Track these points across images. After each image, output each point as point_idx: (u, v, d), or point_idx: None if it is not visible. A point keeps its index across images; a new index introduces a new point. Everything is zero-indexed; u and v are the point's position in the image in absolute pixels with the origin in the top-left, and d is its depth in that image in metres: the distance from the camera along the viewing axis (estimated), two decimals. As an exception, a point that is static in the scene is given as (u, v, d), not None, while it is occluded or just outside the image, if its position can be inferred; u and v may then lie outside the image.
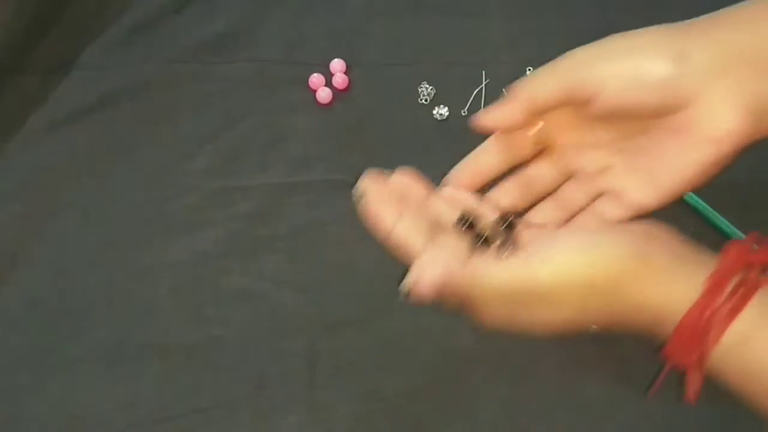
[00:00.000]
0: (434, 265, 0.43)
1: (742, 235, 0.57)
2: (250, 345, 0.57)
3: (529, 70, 0.66)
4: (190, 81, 0.68)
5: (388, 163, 0.63)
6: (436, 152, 0.55)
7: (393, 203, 0.46)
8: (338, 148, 0.65)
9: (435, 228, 0.46)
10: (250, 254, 0.60)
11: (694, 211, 0.59)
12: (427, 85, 0.66)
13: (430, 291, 0.43)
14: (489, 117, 0.48)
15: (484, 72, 0.66)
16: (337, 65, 0.68)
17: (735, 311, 0.40)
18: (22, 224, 0.63)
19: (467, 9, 0.70)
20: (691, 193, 0.59)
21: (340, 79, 0.67)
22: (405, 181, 0.49)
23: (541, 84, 0.47)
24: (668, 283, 0.42)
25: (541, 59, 0.66)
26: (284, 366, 0.56)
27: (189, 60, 0.69)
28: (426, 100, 0.66)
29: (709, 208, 0.58)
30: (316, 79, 0.67)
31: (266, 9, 0.72)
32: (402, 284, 0.44)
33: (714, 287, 0.41)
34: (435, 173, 0.52)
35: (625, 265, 0.42)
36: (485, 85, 0.65)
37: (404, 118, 0.66)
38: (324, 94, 0.66)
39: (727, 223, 0.58)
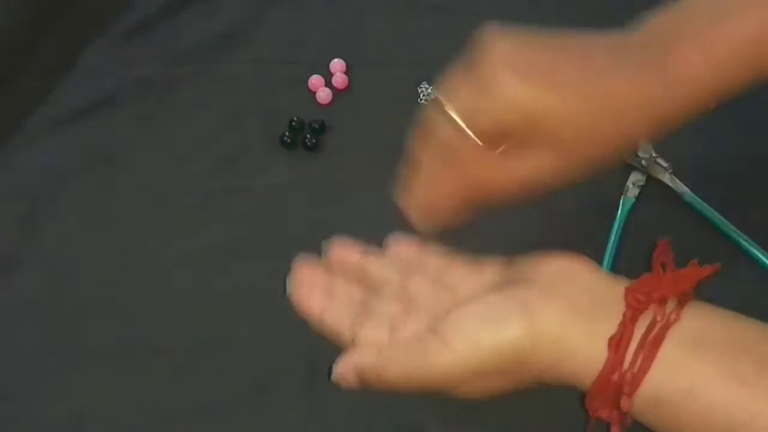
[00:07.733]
0: (349, 364, 0.44)
1: (741, 234, 0.57)
2: (250, 345, 0.57)
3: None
4: (190, 81, 0.68)
5: (387, 164, 0.63)
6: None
7: (321, 290, 0.46)
8: (338, 148, 0.65)
9: (362, 312, 0.45)
10: (250, 254, 0.60)
11: (694, 211, 0.59)
12: (427, 85, 0.66)
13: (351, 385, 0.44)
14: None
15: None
16: (337, 65, 0.67)
17: (643, 371, 0.39)
18: (22, 224, 0.63)
19: (467, 9, 0.70)
20: (690, 193, 0.59)
21: (340, 79, 0.67)
22: (340, 253, 0.48)
23: None
24: (567, 352, 0.40)
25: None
26: (284, 366, 0.56)
27: (189, 60, 0.69)
28: (426, 101, 0.66)
29: (708, 207, 0.58)
30: (315, 80, 0.67)
31: (266, 9, 0.72)
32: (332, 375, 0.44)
33: (617, 346, 0.39)
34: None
35: (517, 348, 0.40)
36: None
37: (404, 118, 0.66)
38: (324, 94, 0.66)
39: (727, 222, 0.58)
